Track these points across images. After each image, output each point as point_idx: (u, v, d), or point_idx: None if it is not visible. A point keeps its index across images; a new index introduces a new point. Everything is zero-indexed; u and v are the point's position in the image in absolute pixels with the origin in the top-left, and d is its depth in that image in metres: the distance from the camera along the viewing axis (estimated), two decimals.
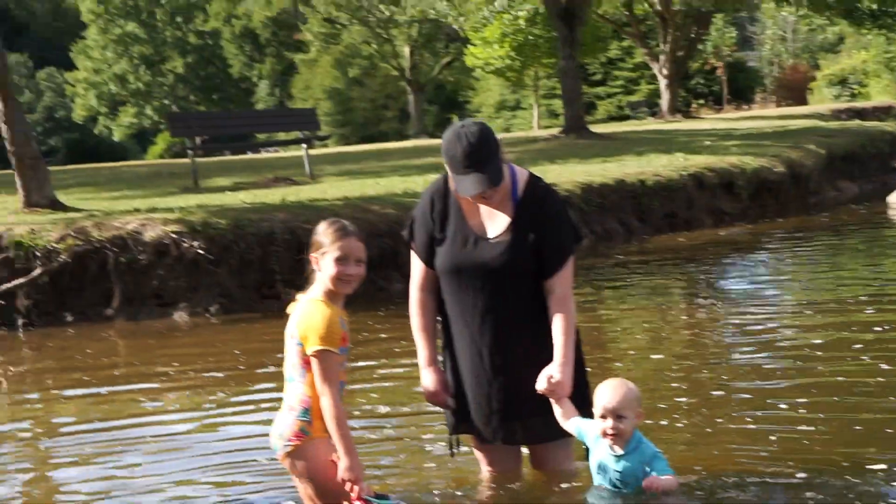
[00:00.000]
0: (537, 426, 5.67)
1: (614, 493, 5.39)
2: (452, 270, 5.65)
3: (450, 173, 5.57)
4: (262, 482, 6.79)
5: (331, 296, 5.41)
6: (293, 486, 5.64)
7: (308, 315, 5.35)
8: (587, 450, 5.66)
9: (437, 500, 5.95)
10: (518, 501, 5.67)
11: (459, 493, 6.01)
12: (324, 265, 5.39)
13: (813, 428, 7.13)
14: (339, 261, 5.35)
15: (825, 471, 6.09)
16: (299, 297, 5.51)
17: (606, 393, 5.37)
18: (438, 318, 5.84)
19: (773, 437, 6.95)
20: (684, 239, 19.70)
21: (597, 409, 5.38)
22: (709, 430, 7.29)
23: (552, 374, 5.46)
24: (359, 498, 5.19)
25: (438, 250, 5.69)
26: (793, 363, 9.31)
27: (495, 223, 5.63)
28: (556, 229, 5.63)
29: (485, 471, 5.96)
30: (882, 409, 7.52)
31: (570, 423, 5.54)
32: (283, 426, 5.40)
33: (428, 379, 5.78)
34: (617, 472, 5.37)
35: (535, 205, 5.63)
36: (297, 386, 5.37)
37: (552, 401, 5.51)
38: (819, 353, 9.64)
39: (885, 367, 8.79)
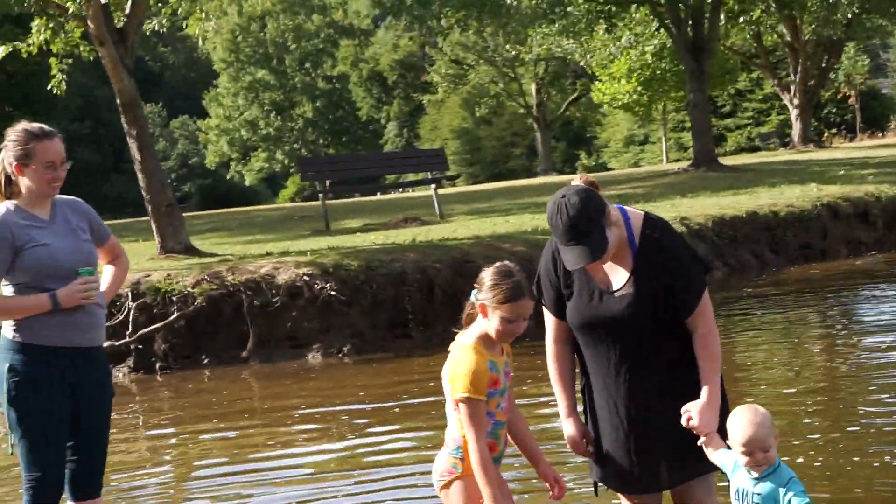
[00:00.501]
0: (677, 468, 5.61)
1: None
2: (583, 326, 5.62)
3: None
4: None
5: (486, 341, 5.45)
6: None
7: (456, 361, 5.41)
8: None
9: None
10: None
11: None
12: (491, 317, 5.41)
13: None
14: (509, 321, 5.38)
15: None
16: (459, 336, 5.56)
17: (746, 427, 5.21)
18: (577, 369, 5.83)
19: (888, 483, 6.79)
20: (819, 270, 19.39)
21: (738, 444, 5.26)
22: (848, 466, 7.16)
23: (691, 415, 5.40)
24: None
25: (568, 305, 5.68)
26: None
27: (617, 276, 5.57)
28: (681, 269, 5.52)
29: None
30: None
31: (716, 455, 5.47)
32: (439, 461, 5.53)
33: (570, 429, 5.76)
34: (757, 494, 5.29)
35: (653, 249, 5.52)
36: (452, 423, 5.49)
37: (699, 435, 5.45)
38: None
39: None
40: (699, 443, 5.49)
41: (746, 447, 5.21)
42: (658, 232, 5.62)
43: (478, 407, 5.28)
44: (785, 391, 9.98)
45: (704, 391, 5.43)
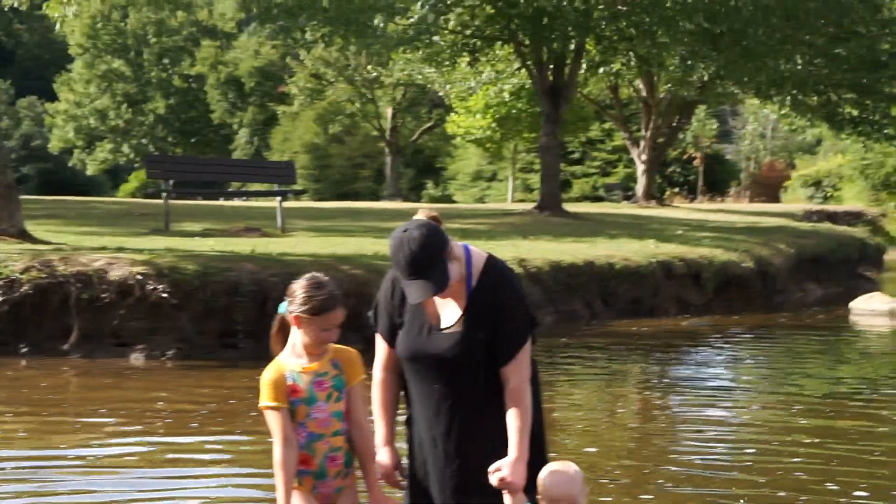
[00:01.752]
0: None
1: None
2: (410, 358, 5.67)
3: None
4: None
5: (295, 351, 5.60)
6: None
7: (264, 372, 5.57)
8: None
9: None
10: None
11: None
12: (303, 328, 5.54)
13: None
14: (322, 331, 5.53)
15: None
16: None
17: (556, 482, 5.30)
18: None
19: None
20: (647, 327, 19.81)
21: (546, 499, 5.30)
22: None
23: (502, 471, 5.47)
24: None
25: (399, 335, 5.73)
26: (731, 458, 9.43)
27: (449, 312, 5.63)
28: (509, 318, 5.57)
29: None
30: None
31: None
32: None
33: (384, 458, 5.79)
34: None
35: (488, 293, 5.58)
36: None
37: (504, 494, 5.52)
38: (758, 448, 9.76)
39: (820, 467, 8.91)
40: (507, 500, 5.55)
41: (555, 502, 5.27)
42: (497, 276, 5.69)
43: (272, 416, 5.47)
44: (593, 448, 10.18)
45: (513, 447, 5.47)
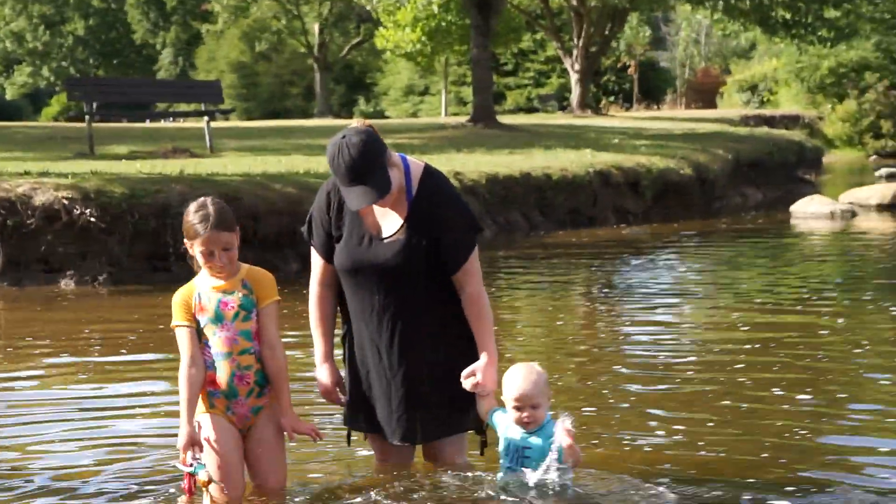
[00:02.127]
0: (434, 423, 5.70)
1: (522, 472, 5.44)
2: (349, 270, 5.65)
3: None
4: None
5: (207, 271, 5.66)
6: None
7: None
8: (483, 442, 5.84)
9: (326, 493, 5.93)
10: (412, 493, 5.68)
11: (350, 487, 5.99)
12: (195, 254, 5.59)
13: (683, 435, 7.24)
14: (208, 254, 5.53)
15: (699, 476, 6.22)
16: None
17: (519, 383, 5.41)
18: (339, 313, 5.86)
19: (645, 442, 7.06)
20: (587, 237, 19.88)
21: (509, 399, 5.42)
22: (612, 422, 7.39)
23: (476, 376, 5.50)
24: (183, 463, 5.54)
25: (337, 247, 5.69)
26: (674, 363, 9.51)
27: (389, 222, 5.62)
28: (452, 225, 5.58)
29: (378, 463, 5.97)
30: (752, 415, 7.69)
31: (490, 413, 5.60)
32: None
33: (323, 375, 5.80)
34: (526, 449, 5.45)
35: (429, 201, 5.58)
36: None
37: (477, 396, 5.57)
38: (700, 356, 9.85)
39: (758, 376, 8.99)
40: (479, 403, 5.59)
41: (518, 402, 5.41)
42: (436, 184, 5.69)
43: (181, 334, 5.58)
44: (548, 350, 10.21)
45: (484, 352, 5.56)
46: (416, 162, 5.75)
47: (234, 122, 51.67)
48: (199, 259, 5.56)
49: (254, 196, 15.25)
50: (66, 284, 14.14)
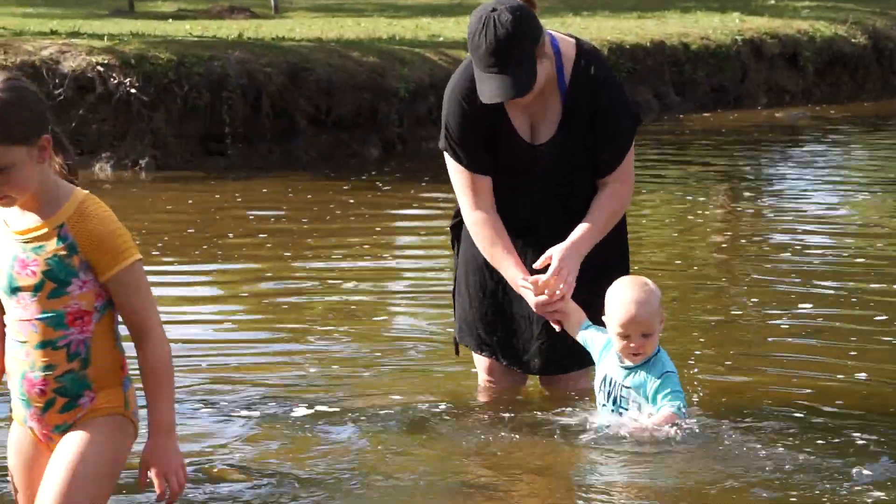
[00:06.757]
0: (575, 354, 5.67)
1: (614, 416, 5.39)
2: (499, 180, 5.62)
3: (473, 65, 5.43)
4: None
5: None
6: None
7: None
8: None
9: (428, 415, 6.01)
10: (520, 418, 5.74)
11: (451, 407, 6.07)
12: None
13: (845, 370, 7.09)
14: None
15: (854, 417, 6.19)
16: None
17: (628, 305, 5.23)
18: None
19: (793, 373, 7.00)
20: (731, 119, 19.72)
21: (613, 324, 5.28)
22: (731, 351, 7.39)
23: (552, 257, 5.42)
24: None
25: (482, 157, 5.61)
26: (834, 284, 9.41)
27: (544, 123, 5.58)
28: (612, 119, 5.55)
29: (483, 381, 6.03)
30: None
31: (579, 333, 5.47)
32: None
33: (529, 295, 5.56)
34: (626, 387, 5.32)
35: (585, 91, 5.52)
36: None
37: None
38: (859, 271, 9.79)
39: None
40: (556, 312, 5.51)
41: (624, 329, 5.23)
42: (593, 68, 5.60)
43: None
44: (675, 261, 10.21)
45: (577, 232, 5.47)
46: (566, 39, 5.67)
47: None
48: None
49: (327, 66, 15.28)
50: (101, 168, 14.31)
